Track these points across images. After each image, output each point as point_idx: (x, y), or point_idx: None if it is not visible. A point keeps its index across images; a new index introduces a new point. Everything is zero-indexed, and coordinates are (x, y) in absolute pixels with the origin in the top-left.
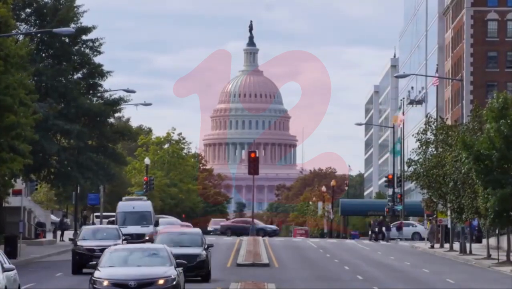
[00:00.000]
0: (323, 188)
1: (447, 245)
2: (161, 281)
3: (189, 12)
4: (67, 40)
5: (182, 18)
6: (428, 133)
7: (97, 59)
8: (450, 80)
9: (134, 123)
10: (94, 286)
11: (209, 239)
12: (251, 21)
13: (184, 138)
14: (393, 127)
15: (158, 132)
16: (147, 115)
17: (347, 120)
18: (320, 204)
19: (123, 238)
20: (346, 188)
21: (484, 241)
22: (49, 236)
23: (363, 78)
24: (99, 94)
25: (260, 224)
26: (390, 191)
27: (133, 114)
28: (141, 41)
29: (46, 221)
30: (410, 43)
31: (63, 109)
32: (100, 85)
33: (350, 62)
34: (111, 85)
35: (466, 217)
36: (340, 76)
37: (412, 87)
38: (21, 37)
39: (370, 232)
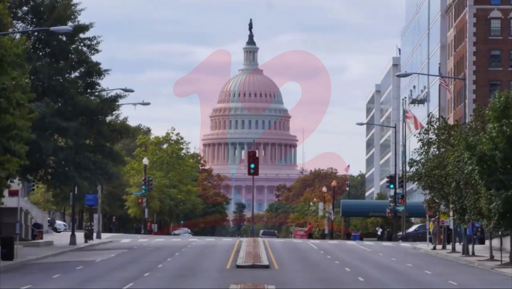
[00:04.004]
0: (324, 189)
1: (449, 246)
2: None
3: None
4: (64, 38)
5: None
6: (430, 133)
7: (95, 58)
8: (453, 79)
9: (133, 123)
10: None
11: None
12: (250, 20)
13: (182, 138)
14: (395, 127)
15: (160, 132)
16: (147, 115)
17: (348, 120)
18: (320, 204)
19: None
20: (347, 188)
21: (487, 242)
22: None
23: (364, 77)
24: (96, 93)
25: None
26: (391, 192)
27: (134, 114)
28: (143, 38)
29: (43, 222)
30: (412, 41)
31: (60, 108)
32: (98, 84)
33: (351, 61)
34: (113, 81)
35: (468, 218)
36: (341, 75)
37: (414, 86)
38: (17, 36)
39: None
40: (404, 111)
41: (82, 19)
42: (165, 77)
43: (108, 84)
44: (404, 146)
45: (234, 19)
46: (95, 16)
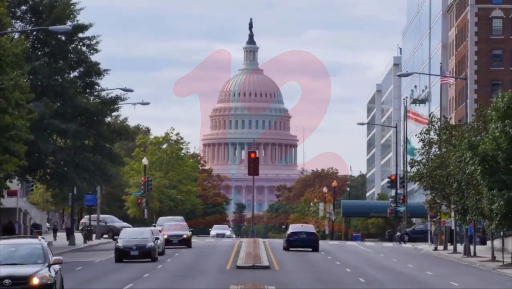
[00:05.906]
0: (324, 189)
1: (451, 247)
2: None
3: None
4: (63, 38)
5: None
6: (432, 133)
7: (94, 58)
8: (454, 79)
9: (138, 122)
10: None
11: (208, 240)
12: (251, 19)
13: (182, 138)
14: (396, 127)
15: (159, 131)
16: (145, 114)
17: (349, 119)
18: (321, 204)
19: None
20: (348, 189)
21: (489, 243)
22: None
23: (365, 77)
24: (95, 93)
25: None
26: (392, 192)
27: (139, 114)
28: (143, 37)
29: (42, 222)
30: (413, 41)
31: (59, 108)
32: (97, 84)
33: (352, 60)
34: (113, 79)
35: (470, 219)
36: (341, 75)
37: (415, 86)
38: (16, 35)
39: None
40: (406, 111)
41: (82, 18)
42: (172, 76)
43: (110, 83)
44: (406, 143)
45: (235, 18)
46: (96, 15)
